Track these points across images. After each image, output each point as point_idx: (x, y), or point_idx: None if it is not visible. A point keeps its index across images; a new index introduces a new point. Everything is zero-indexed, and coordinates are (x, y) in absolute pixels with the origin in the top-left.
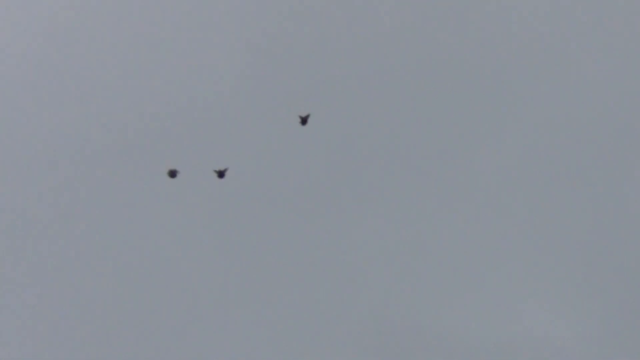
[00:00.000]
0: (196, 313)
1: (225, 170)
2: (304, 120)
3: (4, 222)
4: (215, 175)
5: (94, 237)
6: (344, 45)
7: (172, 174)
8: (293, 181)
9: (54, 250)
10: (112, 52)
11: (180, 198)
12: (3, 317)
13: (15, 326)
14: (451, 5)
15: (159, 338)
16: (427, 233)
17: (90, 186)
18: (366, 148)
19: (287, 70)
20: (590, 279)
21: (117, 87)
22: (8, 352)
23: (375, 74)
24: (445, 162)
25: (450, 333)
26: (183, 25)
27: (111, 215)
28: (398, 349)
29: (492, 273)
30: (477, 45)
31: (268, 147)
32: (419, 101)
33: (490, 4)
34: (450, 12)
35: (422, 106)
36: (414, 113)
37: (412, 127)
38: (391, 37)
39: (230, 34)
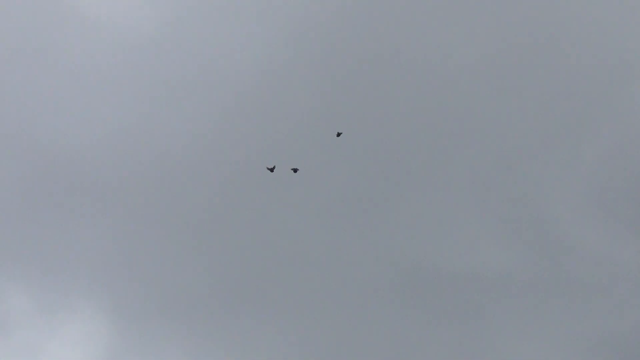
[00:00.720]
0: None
1: (297, 168)
2: (338, 135)
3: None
4: (292, 171)
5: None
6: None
7: (272, 169)
8: (341, 178)
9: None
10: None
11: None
12: None
13: None
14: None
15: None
16: (426, 213)
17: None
18: (385, 157)
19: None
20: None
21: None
22: None
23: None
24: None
25: (439, 266)
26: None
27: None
28: (413, 278)
29: (462, 232)
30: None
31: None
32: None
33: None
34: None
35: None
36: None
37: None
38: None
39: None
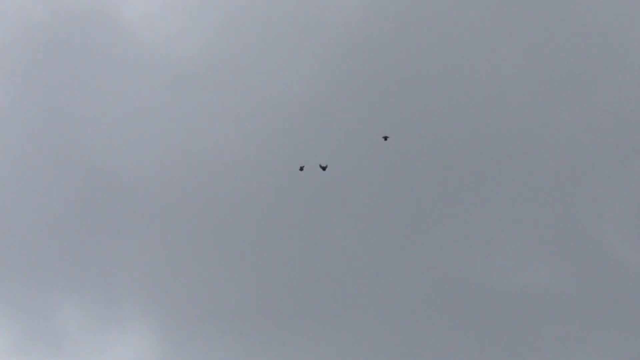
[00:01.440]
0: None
1: (326, 166)
2: (385, 138)
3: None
4: (320, 169)
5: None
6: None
7: (301, 168)
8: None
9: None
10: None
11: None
12: None
13: None
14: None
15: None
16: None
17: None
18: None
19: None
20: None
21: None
22: None
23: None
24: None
25: (487, 285)
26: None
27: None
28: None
29: (511, 252)
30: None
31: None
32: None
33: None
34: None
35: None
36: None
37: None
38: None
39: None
